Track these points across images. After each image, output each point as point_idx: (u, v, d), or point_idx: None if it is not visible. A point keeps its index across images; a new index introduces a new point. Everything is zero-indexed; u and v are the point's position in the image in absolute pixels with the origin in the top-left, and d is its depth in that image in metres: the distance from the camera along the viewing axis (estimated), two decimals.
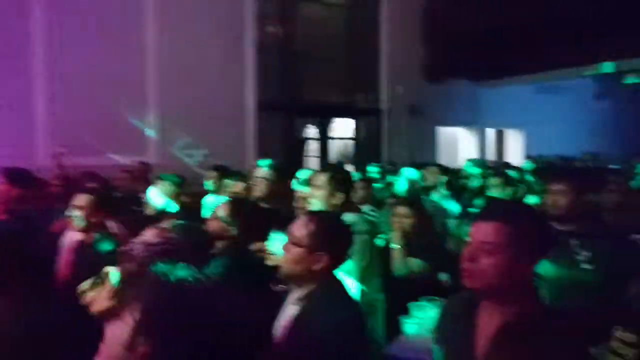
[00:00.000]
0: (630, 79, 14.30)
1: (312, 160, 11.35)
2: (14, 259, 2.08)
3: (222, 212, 3.08)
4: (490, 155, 14.23)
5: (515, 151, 14.26)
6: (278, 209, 3.77)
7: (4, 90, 6.59)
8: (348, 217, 2.70)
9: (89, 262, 2.96)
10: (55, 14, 7.10)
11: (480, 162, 7.55)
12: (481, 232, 1.53)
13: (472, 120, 12.90)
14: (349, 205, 2.81)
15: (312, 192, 2.74)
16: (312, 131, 11.90)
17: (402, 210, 3.44)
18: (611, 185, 4.25)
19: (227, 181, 4.58)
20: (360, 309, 2.02)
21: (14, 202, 3.48)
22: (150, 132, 7.79)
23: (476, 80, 12.59)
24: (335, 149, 11.69)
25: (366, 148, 11.53)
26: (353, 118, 11.54)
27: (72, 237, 3.28)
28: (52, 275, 3.27)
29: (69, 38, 7.13)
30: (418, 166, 5.56)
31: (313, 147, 11.51)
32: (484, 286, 1.53)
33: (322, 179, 2.71)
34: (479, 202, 5.29)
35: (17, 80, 6.74)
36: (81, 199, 3.02)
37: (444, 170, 5.48)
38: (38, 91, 7.05)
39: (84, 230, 3.06)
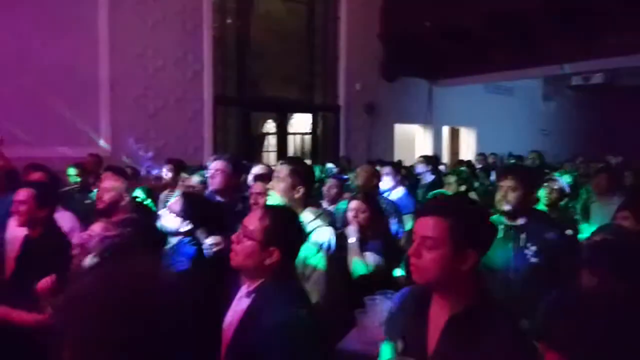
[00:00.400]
0: (576, 82, 14.94)
1: (271, 155, 11.30)
2: None
3: (176, 207, 3.02)
4: (445, 152, 14.56)
5: (468, 149, 14.64)
6: (233, 203, 3.73)
7: None
8: (309, 211, 2.70)
9: (34, 257, 2.86)
10: (6, 3, 6.78)
11: (433, 158, 7.72)
12: (422, 227, 1.55)
13: (428, 118, 13.15)
14: (309, 200, 2.80)
15: (273, 185, 2.71)
16: (270, 126, 11.84)
17: (357, 204, 3.46)
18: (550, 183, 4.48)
19: (183, 175, 4.50)
20: (310, 305, 2.01)
21: None
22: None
23: (431, 79, 12.83)
24: (293, 144, 11.67)
25: (324, 144, 11.57)
26: (311, 113, 11.55)
27: (16, 231, 3.15)
28: None
29: (20, 27, 6.82)
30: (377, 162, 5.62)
31: (271, 142, 11.45)
32: (428, 280, 1.56)
33: (284, 171, 2.68)
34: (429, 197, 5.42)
35: None
36: (24, 193, 2.89)
37: (399, 167, 5.57)
38: None
39: (25, 224, 2.93)
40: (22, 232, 3.01)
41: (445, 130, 14.50)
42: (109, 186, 3.54)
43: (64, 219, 3.52)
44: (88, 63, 7.61)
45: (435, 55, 11.71)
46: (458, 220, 1.52)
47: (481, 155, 10.63)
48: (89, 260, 1.98)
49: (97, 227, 3.21)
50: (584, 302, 1.33)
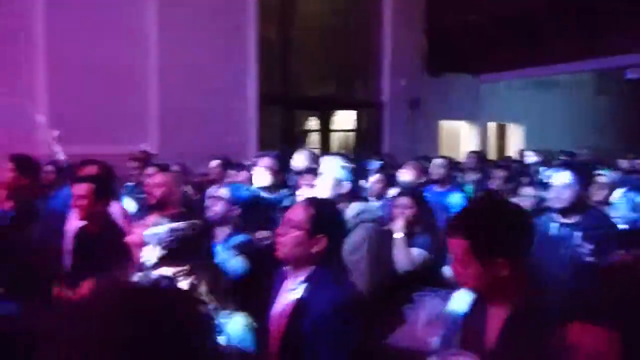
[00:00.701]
0: (630, 75, 14.29)
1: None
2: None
3: (225, 199, 3.09)
4: (492, 148, 14.23)
5: (516, 145, 14.26)
6: (279, 199, 3.78)
7: (4, 79, 6.57)
8: (354, 205, 2.71)
9: (92, 250, 2.98)
10: (57, 4, 7.06)
11: (482, 155, 7.57)
12: (450, 246, 1.66)
13: (474, 113, 12.89)
14: (355, 194, 2.82)
15: (319, 180, 2.75)
16: (312, 123, 11.89)
17: (404, 200, 3.44)
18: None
19: (230, 171, 4.58)
20: (355, 292, 2.06)
21: (21, 190, 3.49)
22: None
23: (477, 74, 12.56)
24: (336, 141, 11.68)
25: (366, 140, 11.52)
26: (354, 110, 11.52)
27: (74, 224, 3.28)
28: (57, 263, 3.28)
29: (70, 27, 7.09)
30: (422, 159, 5.56)
31: (313, 139, 11.50)
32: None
33: (330, 167, 2.72)
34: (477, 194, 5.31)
35: (18, 69, 6.71)
36: (84, 187, 3.01)
37: (450, 163, 5.49)
38: (39, 80, 7.01)
39: (84, 218, 3.05)
40: (80, 224, 3.14)
41: (492, 127, 14.18)
42: (159, 181, 3.65)
43: (117, 212, 3.65)
44: (137, 62, 7.84)
45: (481, 49, 11.46)
46: (477, 237, 1.58)
47: (531, 151, 10.31)
48: (156, 253, 2.04)
49: (150, 221, 3.32)
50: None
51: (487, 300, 1.67)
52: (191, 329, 0.90)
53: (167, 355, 0.85)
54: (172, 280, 1.95)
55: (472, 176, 6.40)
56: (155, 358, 0.84)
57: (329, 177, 2.81)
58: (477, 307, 1.72)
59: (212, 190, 5.09)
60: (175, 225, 2.10)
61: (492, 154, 13.57)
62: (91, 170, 3.71)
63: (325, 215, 2.04)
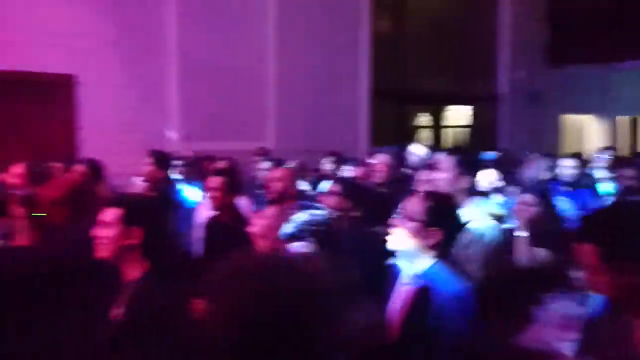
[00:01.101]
0: None
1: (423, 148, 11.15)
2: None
3: (340, 192, 3.17)
4: (623, 144, 13.03)
5: None
6: (395, 194, 3.79)
7: (138, 79, 7.21)
8: (475, 201, 2.67)
9: (222, 238, 3.21)
10: (187, 6, 7.59)
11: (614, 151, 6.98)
12: (579, 253, 1.58)
13: (601, 106, 11.89)
14: (473, 190, 2.78)
15: (438, 175, 2.74)
16: (424, 119, 11.71)
17: (527, 198, 3.31)
18: None
19: (345, 167, 4.68)
20: (473, 285, 2.04)
21: (158, 181, 3.87)
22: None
23: (605, 64, 11.56)
24: (450, 136, 11.41)
25: (480, 135, 11.11)
26: (469, 105, 11.16)
27: (205, 214, 3.56)
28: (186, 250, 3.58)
29: (199, 34, 7.60)
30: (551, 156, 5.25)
31: (426, 135, 11.32)
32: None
33: (449, 162, 2.70)
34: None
35: (150, 70, 7.33)
36: (216, 180, 3.26)
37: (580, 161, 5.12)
38: (171, 85, 7.60)
39: (217, 208, 3.31)
40: (212, 214, 3.40)
41: (622, 121, 12.98)
42: (278, 176, 3.84)
43: (243, 204, 3.89)
44: (257, 62, 8.21)
45: (610, 36, 10.53)
46: (609, 243, 1.49)
47: None
48: (299, 246, 2.17)
49: (270, 212, 3.51)
50: None
51: (623, 309, 1.58)
52: (321, 299, 1.01)
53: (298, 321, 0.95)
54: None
55: (604, 175, 5.93)
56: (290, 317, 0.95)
57: (447, 172, 2.79)
58: (613, 315, 1.63)
59: (324, 185, 5.25)
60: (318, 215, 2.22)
61: (623, 150, 12.43)
62: (223, 165, 3.99)
63: (442, 209, 2.05)
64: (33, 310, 1.50)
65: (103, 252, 1.97)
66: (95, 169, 4.18)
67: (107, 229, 1.97)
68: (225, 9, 7.87)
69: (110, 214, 1.99)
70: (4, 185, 3.43)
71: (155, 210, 2.26)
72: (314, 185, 5.24)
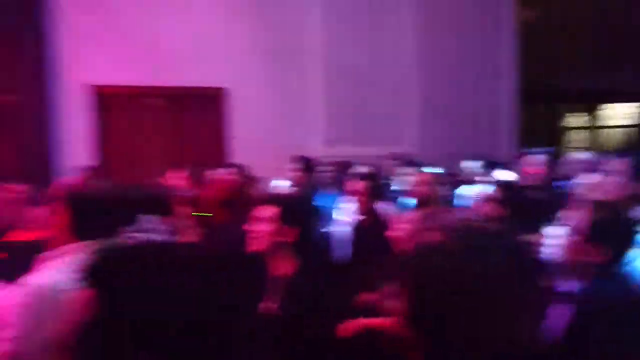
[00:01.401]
0: None
1: (578, 151, 10.25)
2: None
3: (497, 197, 3.02)
4: None
5: None
6: (553, 200, 3.52)
7: (282, 84, 7.57)
8: None
9: (367, 241, 3.23)
10: (330, 13, 7.80)
11: None
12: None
13: None
14: None
15: (604, 181, 2.49)
16: (577, 119, 10.76)
17: None
18: None
19: (497, 171, 4.48)
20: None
21: (304, 186, 4.06)
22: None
23: None
24: (605, 137, 10.34)
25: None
26: (631, 102, 10.01)
27: (349, 218, 3.61)
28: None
29: (343, 37, 7.77)
30: None
31: (579, 137, 10.39)
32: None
33: (622, 165, 2.44)
34: None
35: (294, 76, 7.66)
36: (361, 185, 3.30)
37: None
38: (314, 85, 7.85)
39: (363, 212, 3.34)
40: (357, 219, 3.44)
41: None
42: (422, 180, 3.78)
43: (384, 208, 3.89)
44: (397, 64, 8.12)
45: None
46: None
47: None
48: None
49: (414, 217, 3.46)
50: None
51: None
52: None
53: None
54: None
55: None
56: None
57: (613, 177, 2.51)
58: None
59: (470, 190, 5.05)
60: None
61: None
62: (366, 170, 4.06)
63: (609, 222, 1.82)
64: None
65: (257, 245, 2.09)
66: (247, 173, 4.47)
67: (264, 224, 2.09)
68: (367, 18, 7.96)
69: (268, 211, 2.11)
70: (170, 187, 3.80)
71: (308, 213, 2.35)
72: (453, 189, 5.07)
